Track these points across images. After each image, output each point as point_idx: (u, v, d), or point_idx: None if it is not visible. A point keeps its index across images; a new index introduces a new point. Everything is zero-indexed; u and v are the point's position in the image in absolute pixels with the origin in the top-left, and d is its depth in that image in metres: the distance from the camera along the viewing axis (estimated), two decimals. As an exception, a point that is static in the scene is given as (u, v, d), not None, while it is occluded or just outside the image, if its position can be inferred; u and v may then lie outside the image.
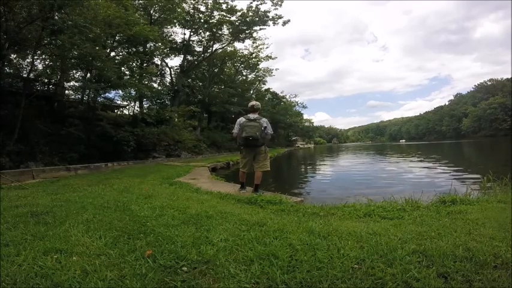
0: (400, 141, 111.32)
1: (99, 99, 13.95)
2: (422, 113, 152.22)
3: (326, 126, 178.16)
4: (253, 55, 28.09)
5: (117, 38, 13.39)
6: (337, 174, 11.64)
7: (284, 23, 22.49)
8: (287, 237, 2.05)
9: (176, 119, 18.17)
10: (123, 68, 13.77)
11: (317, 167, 16.34)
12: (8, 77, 9.94)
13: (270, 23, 21.98)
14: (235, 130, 4.59)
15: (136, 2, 16.33)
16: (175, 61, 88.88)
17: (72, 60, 10.48)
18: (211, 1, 20.70)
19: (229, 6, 20.94)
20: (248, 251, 1.79)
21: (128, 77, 13.78)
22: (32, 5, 8.34)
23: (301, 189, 8.04)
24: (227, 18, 21.34)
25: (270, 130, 4.55)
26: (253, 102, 4.71)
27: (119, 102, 16.10)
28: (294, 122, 59.98)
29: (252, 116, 4.53)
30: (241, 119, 4.57)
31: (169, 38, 21.32)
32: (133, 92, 14.56)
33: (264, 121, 4.49)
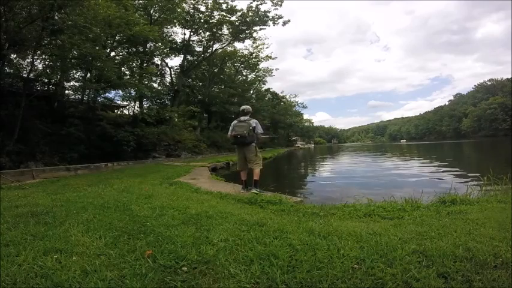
0: (401, 141, 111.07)
1: (99, 99, 13.98)
2: (422, 113, 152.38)
3: (326, 126, 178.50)
4: (253, 55, 28.12)
5: (117, 38, 13.40)
6: (337, 174, 11.64)
7: (284, 23, 22.50)
8: (287, 237, 2.05)
9: (176, 119, 18.15)
10: (123, 68, 13.78)
11: (317, 167, 16.33)
12: (8, 77, 9.94)
13: (270, 23, 21.97)
14: (229, 132, 5.01)
15: (136, 2, 16.31)
16: (175, 61, 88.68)
17: (72, 60, 10.48)
18: (211, 1, 20.70)
19: (229, 6, 20.92)
20: (248, 251, 1.78)
21: (128, 77, 13.79)
22: (32, 5, 8.35)
23: (301, 189, 8.03)
24: (227, 18, 21.33)
25: (259, 130, 4.87)
26: (244, 107, 5.11)
27: (119, 102, 16.13)
28: (294, 122, 59.93)
29: (242, 118, 4.90)
30: (234, 122, 4.98)
31: (169, 38, 21.32)
32: (133, 92, 14.55)
33: (254, 121, 4.82)
